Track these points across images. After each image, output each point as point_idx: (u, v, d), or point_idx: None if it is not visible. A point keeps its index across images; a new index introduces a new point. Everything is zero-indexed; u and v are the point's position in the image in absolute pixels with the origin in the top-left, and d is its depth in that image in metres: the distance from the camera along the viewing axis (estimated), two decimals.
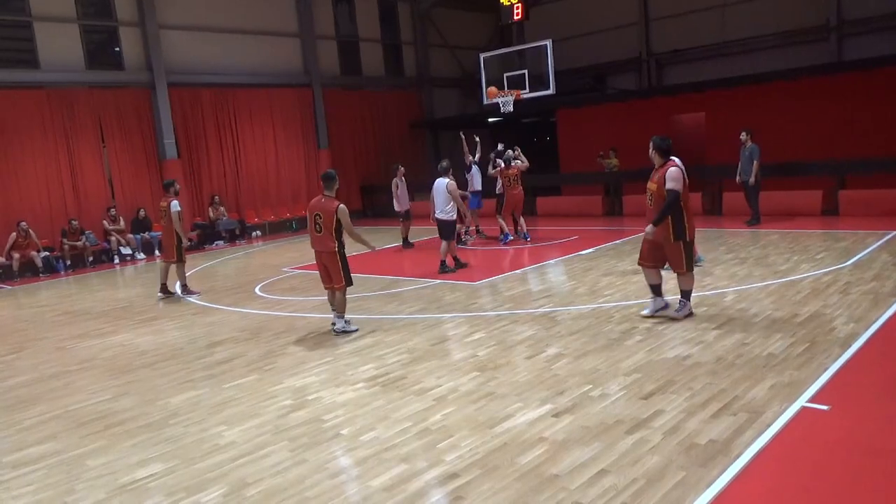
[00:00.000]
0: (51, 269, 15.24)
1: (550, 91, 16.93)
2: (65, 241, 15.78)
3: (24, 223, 14.83)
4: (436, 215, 10.65)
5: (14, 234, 14.69)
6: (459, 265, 10.69)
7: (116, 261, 16.23)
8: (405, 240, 14.14)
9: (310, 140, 21.32)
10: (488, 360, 6.10)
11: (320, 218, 7.33)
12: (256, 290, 10.77)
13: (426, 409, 5.06)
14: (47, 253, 15.37)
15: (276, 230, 19.99)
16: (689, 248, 6.72)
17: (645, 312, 7.04)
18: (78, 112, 16.57)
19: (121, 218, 16.74)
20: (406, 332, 7.33)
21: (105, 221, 16.60)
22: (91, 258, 16.14)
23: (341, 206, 7.35)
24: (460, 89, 25.37)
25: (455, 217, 10.63)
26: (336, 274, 7.43)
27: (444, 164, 10.93)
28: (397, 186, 14.07)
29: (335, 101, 21.80)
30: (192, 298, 10.46)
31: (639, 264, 7.10)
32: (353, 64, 22.78)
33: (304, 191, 21.07)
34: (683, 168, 6.62)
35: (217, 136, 19.14)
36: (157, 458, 4.64)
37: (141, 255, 16.68)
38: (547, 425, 4.55)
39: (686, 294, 6.90)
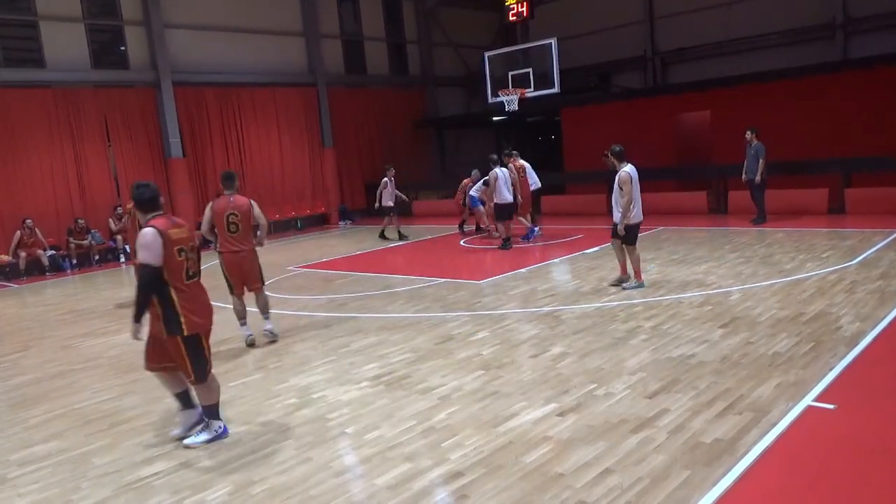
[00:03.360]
0: (57, 267, 15.29)
1: (555, 90, 16.92)
2: (71, 239, 15.85)
3: (29, 221, 14.89)
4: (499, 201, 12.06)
5: (19, 232, 14.76)
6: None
7: (122, 259, 16.27)
8: (400, 233, 15.37)
9: (314, 139, 21.34)
10: (493, 358, 6.09)
11: (236, 216, 7.05)
12: None
13: (430, 407, 5.06)
14: (53, 251, 15.43)
15: (280, 229, 20.03)
16: (196, 347, 4.69)
17: (176, 433, 4.98)
18: (84, 111, 16.63)
19: (126, 216, 16.76)
20: (410, 330, 7.33)
21: (111, 220, 16.64)
22: (97, 257, 16.21)
23: (252, 200, 7.28)
24: (465, 88, 25.37)
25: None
26: (255, 274, 7.34)
27: (495, 156, 12.52)
28: (385, 185, 15.26)
29: (339, 99, 21.82)
30: None
31: (147, 370, 4.98)
32: (357, 63, 22.79)
33: (308, 190, 21.11)
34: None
35: (222, 135, 19.19)
36: (162, 457, 4.65)
37: None
38: (551, 424, 4.55)
39: (209, 411, 4.87)
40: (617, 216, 8.11)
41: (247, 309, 7.42)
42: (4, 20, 15.81)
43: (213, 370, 4.90)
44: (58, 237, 15.97)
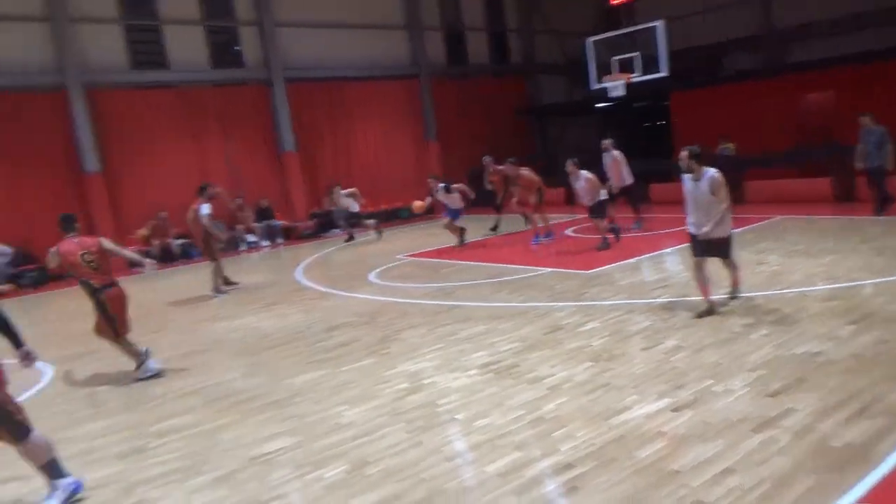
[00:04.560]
0: (186, 255, 16.45)
1: (663, 73, 16.32)
2: None
3: (163, 213, 16.18)
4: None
5: (153, 222, 16.08)
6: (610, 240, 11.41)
7: (243, 248, 17.23)
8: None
9: (418, 131, 21.68)
10: (603, 350, 6.00)
11: (89, 255, 6.56)
12: (371, 276, 11.11)
13: (540, 397, 5.06)
14: (182, 240, 16.59)
15: (388, 218, 20.50)
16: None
17: None
18: (203, 109, 17.71)
19: (247, 208, 17.75)
20: (518, 320, 7.34)
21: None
22: (221, 246, 17.23)
23: (100, 237, 7.01)
24: (567, 75, 24.93)
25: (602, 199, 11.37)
26: (125, 315, 6.81)
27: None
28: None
29: (442, 91, 22.02)
30: (224, 294, 11.10)
31: None
32: (458, 53, 22.91)
33: (412, 181, 21.43)
34: None
35: (331, 129, 19.88)
36: (283, 434, 4.90)
37: (265, 243, 17.64)
38: (666, 419, 4.43)
39: (49, 470, 4.30)
40: (706, 228, 6.69)
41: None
42: (132, 25, 17.02)
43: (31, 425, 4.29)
44: (186, 227, 17.11)
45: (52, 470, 4.28)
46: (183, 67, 17.45)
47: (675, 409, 4.57)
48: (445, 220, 13.52)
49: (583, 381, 5.31)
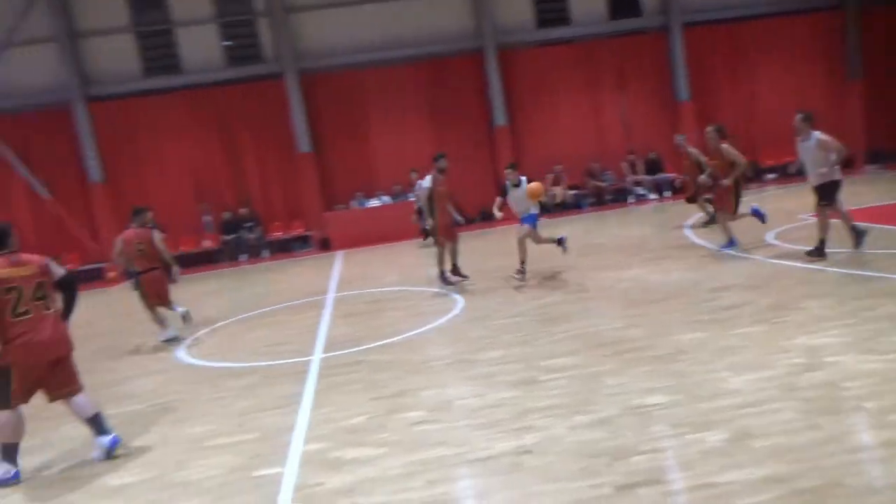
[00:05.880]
0: (576, 206, 17.38)
1: None
2: (590, 180, 17.80)
3: (558, 166, 17.28)
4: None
5: (550, 175, 17.32)
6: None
7: (631, 200, 17.43)
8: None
9: (837, 70, 18.75)
10: None
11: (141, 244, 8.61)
12: (769, 237, 10.19)
13: None
14: (576, 191, 17.55)
15: (785, 173, 18.43)
16: (3, 379, 4.82)
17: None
18: (599, 62, 18.13)
19: (637, 162, 17.85)
20: None
21: (624, 164, 17.90)
22: (609, 197, 17.77)
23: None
24: None
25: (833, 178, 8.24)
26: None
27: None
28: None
29: (877, 20, 18.51)
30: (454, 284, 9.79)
31: None
32: None
33: (831, 130, 18.71)
34: None
35: (730, 74, 18.55)
36: (663, 390, 4.89)
37: (653, 196, 17.55)
38: None
39: (4, 450, 4.86)
40: None
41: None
42: None
43: (23, 411, 4.88)
44: (578, 178, 18.05)
45: (7, 452, 4.81)
46: (583, 21, 18.07)
47: None
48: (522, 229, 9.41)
49: None
